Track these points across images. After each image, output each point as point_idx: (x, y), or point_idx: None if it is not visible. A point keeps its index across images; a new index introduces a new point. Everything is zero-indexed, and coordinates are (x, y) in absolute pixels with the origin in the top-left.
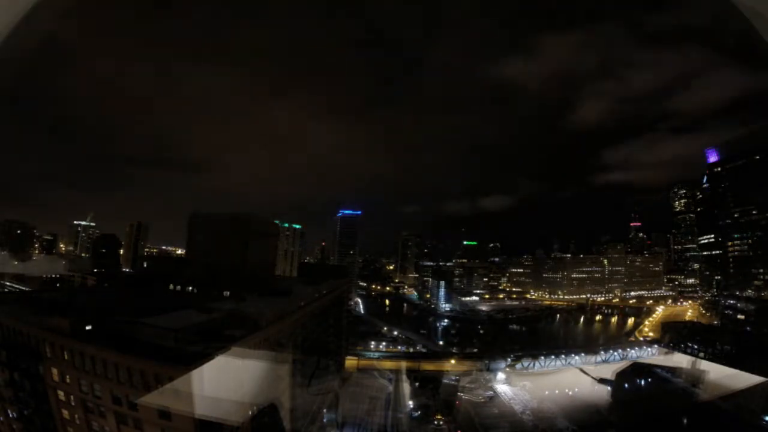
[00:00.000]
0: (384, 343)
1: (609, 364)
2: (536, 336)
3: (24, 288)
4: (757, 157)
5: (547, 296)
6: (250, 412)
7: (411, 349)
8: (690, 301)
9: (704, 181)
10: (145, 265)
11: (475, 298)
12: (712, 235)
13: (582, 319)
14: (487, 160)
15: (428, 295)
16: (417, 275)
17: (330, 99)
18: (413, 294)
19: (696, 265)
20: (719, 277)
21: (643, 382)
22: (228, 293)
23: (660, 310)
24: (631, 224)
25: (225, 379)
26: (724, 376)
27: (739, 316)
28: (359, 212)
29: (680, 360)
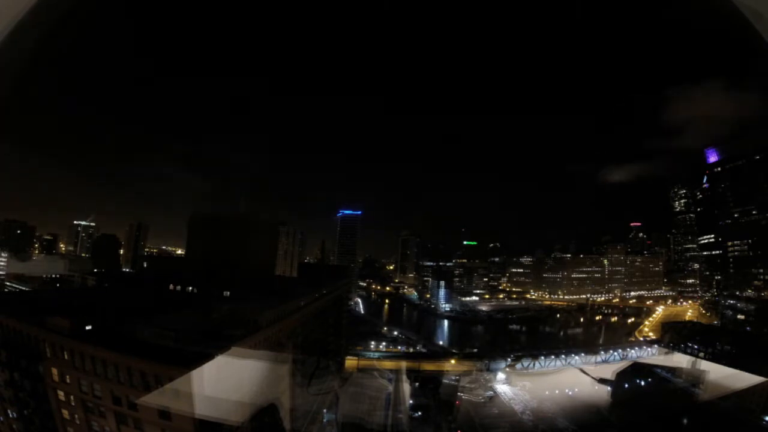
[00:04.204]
0: (384, 343)
1: (609, 364)
2: (536, 336)
3: (24, 288)
4: (757, 157)
5: (547, 296)
6: (250, 412)
7: (411, 349)
8: (690, 301)
9: (704, 181)
10: (145, 265)
11: (475, 298)
12: (712, 235)
13: (582, 319)
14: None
15: (428, 295)
16: (417, 275)
17: None
18: (413, 294)
19: (696, 265)
20: (719, 277)
21: (643, 382)
22: (228, 293)
23: (660, 310)
24: (631, 224)
25: (225, 379)
26: (724, 376)
27: (739, 316)
28: (359, 212)
29: (680, 360)
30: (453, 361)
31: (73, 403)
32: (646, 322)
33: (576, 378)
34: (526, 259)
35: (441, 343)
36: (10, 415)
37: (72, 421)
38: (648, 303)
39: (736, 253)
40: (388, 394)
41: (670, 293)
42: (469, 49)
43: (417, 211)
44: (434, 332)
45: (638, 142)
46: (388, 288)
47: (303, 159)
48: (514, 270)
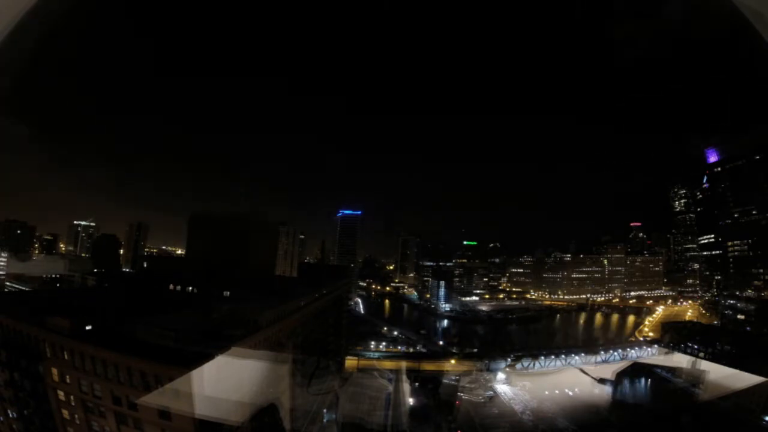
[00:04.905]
0: (384, 343)
1: (609, 364)
2: (536, 336)
3: (24, 288)
4: (757, 157)
5: (547, 296)
6: (250, 412)
7: (411, 349)
8: (690, 301)
9: (704, 181)
10: (145, 265)
11: (475, 298)
12: (712, 235)
13: (582, 319)
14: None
15: (428, 295)
16: (417, 275)
17: None
18: (413, 294)
19: (696, 265)
20: (719, 277)
21: (643, 382)
22: (228, 293)
23: (660, 310)
24: (631, 224)
25: (225, 379)
26: (724, 376)
27: (739, 316)
28: (359, 212)
29: (680, 360)
30: (453, 361)
31: (73, 403)
32: (646, 322)
33: (576, 378)
34: (526, 259)
35: (441, 343)
36: (10, 415)
37: (72, 421)
38: (648, 303)
39: (736, 253)
40: (388, 394)
41: (670, 293)
42: (471, 51)
43: (417, 211)
44: (434, 332)
45: (638, 143)
46: (388, 288)
47: (304, 159)
48: (514, 270)
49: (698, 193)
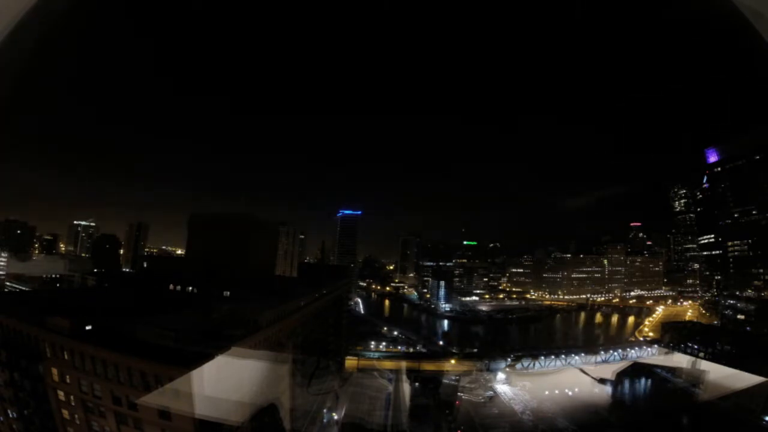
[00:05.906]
0: (384, 343)
1: (609, 364)
2: (536, 336)
3: (24, 288)
4: (757, 157)
5: (547, 296)
6: (250, 412)
7: (411, 349)
8: (690, 301)
9: (704, 181)
10: (145, 265)
11: (475, 298)
12: (712, 235)
13: (582, 319)
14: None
15: (428, 295)
16: (417, 275)
17: None
18: (413, 294)
19: (696, 265)
20: (719, 277)
21: (643, 382)
22: (228, 293)
23: (660, 310)
24: (631, 224)
25: (225, 379)
26: (724, 376)
27: (739, 316)
28: (359, 212)
29: (680, 360)
30: (453, 361)
31: (73, 403)
32: (646, 322)
33: (576, 378)
34: (526, 259)
35: (441, 343)
36: (10, 415)
37: (72, 421)
38: (648, 303)
39: (736, 253)
40: (388, 394)
41: (670, 293)
42: (471, 50)
43: (417, 211)
44: (434, 332)
45: (638, 143)
46: (388, 288)
47: (304, 159)
48: (514, 270)
49: (698, 193)
